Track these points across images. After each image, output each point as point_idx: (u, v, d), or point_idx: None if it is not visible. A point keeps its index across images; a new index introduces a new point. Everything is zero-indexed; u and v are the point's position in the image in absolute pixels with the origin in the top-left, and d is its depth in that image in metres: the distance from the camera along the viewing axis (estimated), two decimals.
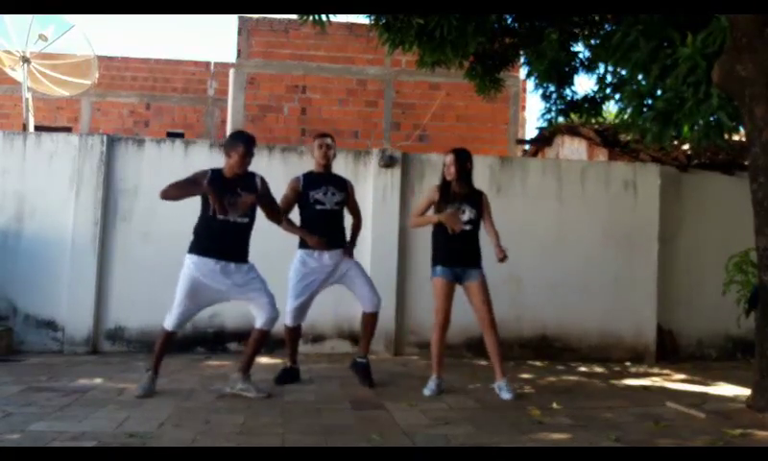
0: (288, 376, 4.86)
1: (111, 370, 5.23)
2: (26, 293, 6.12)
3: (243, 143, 4.29)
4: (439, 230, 4.59)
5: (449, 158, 4.60)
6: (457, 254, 4.53)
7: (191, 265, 4.22)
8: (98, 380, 4.79)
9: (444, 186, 4.62)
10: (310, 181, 4.80)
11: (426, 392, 4.51)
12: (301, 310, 4.80)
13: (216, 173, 4.32)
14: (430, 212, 4.67)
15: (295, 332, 4.89)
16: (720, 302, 5.52)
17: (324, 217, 4.75)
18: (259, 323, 4.36)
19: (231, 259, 4.25)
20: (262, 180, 4.42)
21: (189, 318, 4.43)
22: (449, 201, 4.55)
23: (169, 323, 4.30)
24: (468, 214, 4.54)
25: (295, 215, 4.87)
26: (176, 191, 4.20)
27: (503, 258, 4.44)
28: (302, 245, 4.77)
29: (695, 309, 6.68)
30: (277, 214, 4.50)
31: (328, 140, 4.87)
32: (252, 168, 4.40)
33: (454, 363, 5.88)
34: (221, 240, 4.22)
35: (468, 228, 4.54)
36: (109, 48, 56.85)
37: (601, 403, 4.46)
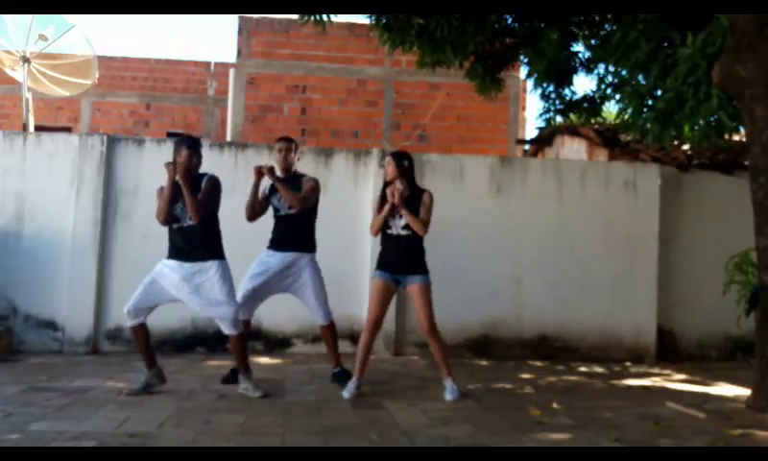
0: (234, 377, 4.69)
1: (111, 370, 5.23)
2: (26, 293, 6.12)
3: (186, 147, 4.32)
4: (384, 235, 4.52)
5: (387, 160, 4.57)
6: (393, 259, 4.46)
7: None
8: (98, 380, 4.79)
9: (384, 192, 4.56)
10: (271, 186, 4.82)
11: (345, 394, 4.39)
12: (248, 302, 4.75)
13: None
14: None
15: (245, 327, 4.73)
16: (720, 302, 5.52)
17: (279, 221, 4.82)
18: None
19: (187, 259, 4.26)
20: (209, 179, 4.36)
21: (145, 307, 4.41)
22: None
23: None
24: (404, 220, 4.40)
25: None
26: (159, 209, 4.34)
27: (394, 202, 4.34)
28: (268, 246, 4.83)
29: (695, 309, 6.67)
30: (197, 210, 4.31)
31: (286, 144, 4.89)
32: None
33: (453, 363, 5.84)
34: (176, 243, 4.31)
35: (404, 233, 4.42)
36: (109, 48, 56.85)
37: (601, 403, 4.46)
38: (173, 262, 4.29)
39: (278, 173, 4.82)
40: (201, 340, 6.26)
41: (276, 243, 4.80)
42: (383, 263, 4.52)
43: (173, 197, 4.26)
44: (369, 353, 4.55)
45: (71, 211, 6.19)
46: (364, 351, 4.50)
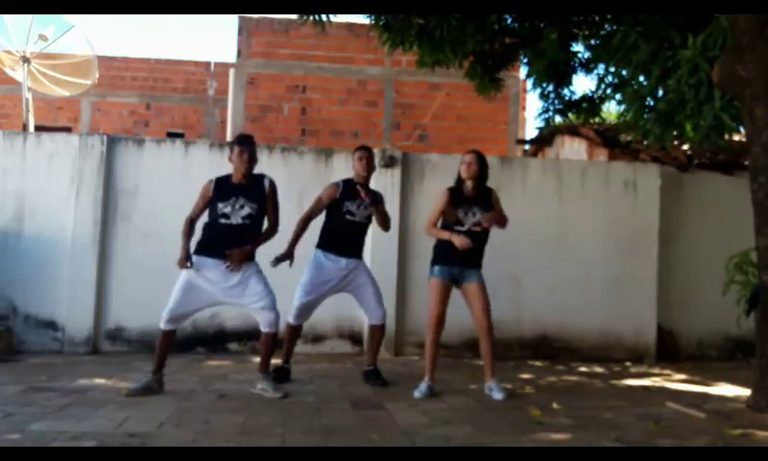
0: (279, 375, 4.79)
1: (111, 370, 5.23)
2: (26, 293, 6.12)
3: (237, 145, 4.32)
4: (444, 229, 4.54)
5: (470, 157, 4.54)
6: (458, 253, 4.45)
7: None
8: (98, 380, 4.78)
9: (457, 188, 4.56)
10: (347, 190, 4.78)
11: (417, 394, 4.44)
12: (308, 309, 4.81)
13: (222, 180, 4.37)
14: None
15: (296, 332, 4.91)
16: (720, 302, 5.52)
17: (353, 229, 4.80)
18: (262, 326, 4.39)
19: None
20: (271, 182, 4.41)
21: (183, 316, 4.40)
22: (460, 204, 4.49)
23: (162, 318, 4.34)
24: (477, 216, 4.46)
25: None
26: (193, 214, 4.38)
27: (479, 225, 4.40)
28: (320, 245, 4.81)
29: (695, 309, 6.67)
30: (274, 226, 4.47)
31: (367, 153, 4.88)
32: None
33: (454, 363, 5.88)
34: (221, 241, 4.26)
35: (477, 229, 4.47)
36: (109, 48, 56.87)
37: (601, 403, 4.46)
38: (210, 260, 4.23)
39: (354, 178, 4.83)
40: (201, 340, 6.26)
41: (343, 248, 4.77)
42: (443, 259, 4.49)
43: (224, 195, 4.27)
44: (438, 352, 4.57)
45: (71, 211, 6.19)
46: (433, 350, 4.53)
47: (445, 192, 4.57)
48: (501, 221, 4.50)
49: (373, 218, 4.89)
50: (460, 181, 4.58)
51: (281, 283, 4.53)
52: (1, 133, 6.40)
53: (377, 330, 4.91)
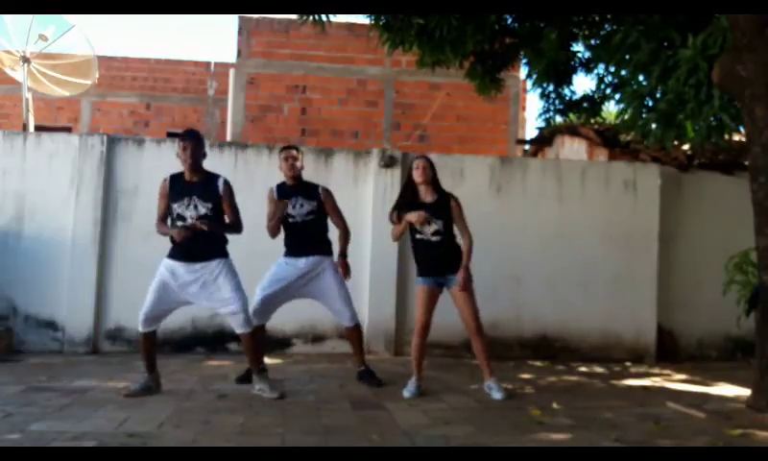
0: (245, 377, 4.74)
1: (111, 370, 5.23)
2: (26, 293, 6.12)
3: (180, 139, 4.26)
4: (414, 242, 4.53)
5: (420, 162, 4.54)
6: (434, 263, 4.48)
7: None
8: (98, 380, 4.79)
9: (410, 193, 4.53)
10: (282, 193, 4.80)
11: (405, 393, 4.45)
12: (266, 307, 4.75)
13: (175, 178, 4.30)
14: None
15: (258, 332, 4.68)
16: (720, 302, 5.52)
17: (295, 228, 4.78)
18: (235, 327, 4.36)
19: (193, 260, 4.21)
20: (225, 182, 4.32)
21: (158, 317, 4.37)
22: (414, 209, 4.45)
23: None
24: (434, 226, 4.42)
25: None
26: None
27: (462, 287, 4.39)
28: (285, 252, 4.82)
29: (695, 309, 6.67)
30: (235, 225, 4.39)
31: (293, 152, 4.86)
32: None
33: (454, 363, 5.89)
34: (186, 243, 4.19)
35: (435, 239, 4.43)
36: (109, 48, 56.85)
37: (601, 403, 4.46)
38: (176, 263, 4.21)
39: (286, 181, 4.83)
40: (200, 340, 6.26)
41: (296, 249, 4.78)
42: (424, 270, 4.51)
43: (177, 194, 4.21)
44: (423, 355, 4.58)
45: (71, 211, 6.19)
46: (418, 354, 4.54)
47: (397, 200, 4.62)
48: (468, 255, 4.48)
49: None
50: (410, 187, 4.54)
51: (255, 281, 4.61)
52: (1, 133, 6.40)
53: (351, 332, 4.91)
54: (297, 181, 4.84)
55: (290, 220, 4.77)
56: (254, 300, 4.68)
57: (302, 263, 4.75)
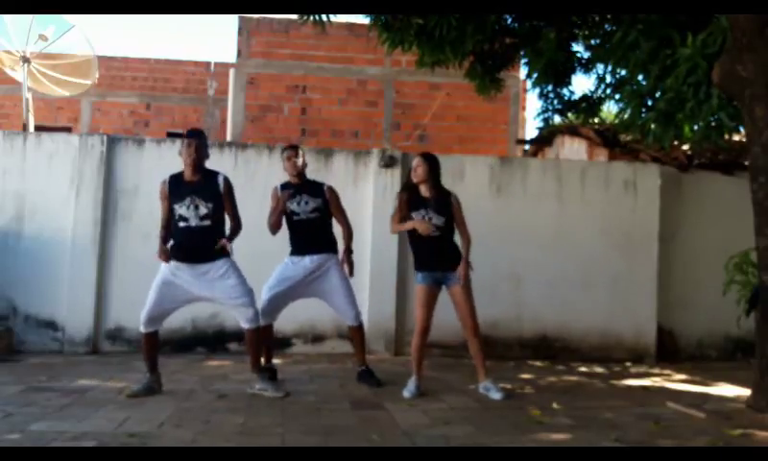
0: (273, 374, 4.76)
1: (111, 370, 5.23)
2: (26, 293, 6.12)
3: (185, 137, 4.27)
4: (413, 236, 4.54)
5: (417, 161, 4.55)
6: (435, 258, 4.49)
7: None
8: (98, 380, 4.79)
9: (411, 191, 4.55)
10: (285, 192, 4.80)
11: (405, 393, 4.45)
12: (273, 306, 4.76)
13: (175, 178, 4.31)
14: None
15: (265, 331, 4.72)
16: (720, 302, 5.51)
17: (300, 226, 4.78)
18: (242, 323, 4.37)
19: (196, 260, 4.21)
20: (225, 180, 4.34)
21: (161, 317, 4.38)
22: (416, 208, 4.49)
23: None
24: (435, 221, 4.45)
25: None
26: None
27: (463, 279, 4.43)
28: (291, 252, 4.82)
29: (695, 309, 6.67)
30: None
31: (293, 151, 4.87)
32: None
33: (454, 363, 5.89)
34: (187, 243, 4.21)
35: (436, 234, 4.45)
36: (109, 48, 56.86)
37: (601, 403, 4.46)
38: (181, 264, 4.19)
39: (291, 180, 4.84)
40: (201, 340, 6.26)
41: (302, 247, 4.78)
42: (422, 264, 4.52)
43: (178, 195, 4.21)
44: (423, 355, 4.59)
45: (71, 211, 6.19)
46: (418, 354, 4.54)
47: (400, 195, 4.65)
48: (466, 261, 4.52)
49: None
50: (411, 185, 4.56)
51: (262, 279, 4.62)
52: (1, 133, 6.40)
53: (355, 332, 4.91)
54: (301, 179, 4.85)
55: (294, 217, 4.77)
56: (261, 300, 4.68)
57: (309, 261, 4.75)
